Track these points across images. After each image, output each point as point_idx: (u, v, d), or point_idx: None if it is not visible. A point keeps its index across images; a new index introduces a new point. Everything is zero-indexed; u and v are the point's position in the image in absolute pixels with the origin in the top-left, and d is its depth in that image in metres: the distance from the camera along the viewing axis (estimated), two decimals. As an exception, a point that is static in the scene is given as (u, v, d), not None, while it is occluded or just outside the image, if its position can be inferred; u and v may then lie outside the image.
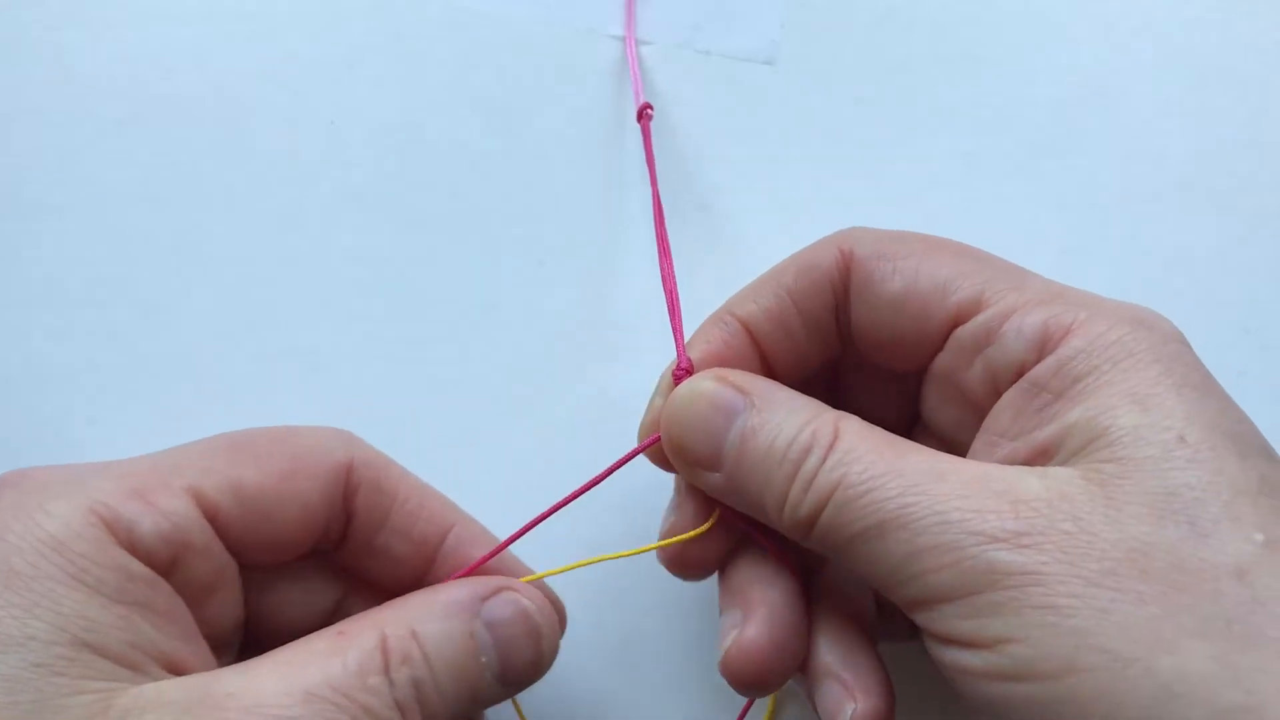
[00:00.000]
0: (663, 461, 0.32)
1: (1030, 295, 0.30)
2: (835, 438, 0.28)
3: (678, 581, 0.33)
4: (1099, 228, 0.41)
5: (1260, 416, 0.28)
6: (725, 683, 0.31)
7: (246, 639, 0.32)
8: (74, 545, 0.26)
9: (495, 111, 0.41)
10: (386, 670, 0.27)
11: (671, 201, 0.39)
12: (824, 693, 0.31)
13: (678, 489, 0.33)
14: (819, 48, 0.42)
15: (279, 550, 0.31)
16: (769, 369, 0.33)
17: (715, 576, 0.33)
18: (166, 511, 0.27)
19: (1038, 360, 0.28)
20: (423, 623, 0.29)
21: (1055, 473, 0.27)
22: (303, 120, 0.41)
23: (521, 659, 0.30)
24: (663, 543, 0.32)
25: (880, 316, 0.31)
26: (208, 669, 0.27)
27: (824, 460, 0.28)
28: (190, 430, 0.31)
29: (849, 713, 0.30)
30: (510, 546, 0.32)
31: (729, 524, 0.32)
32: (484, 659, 0.29)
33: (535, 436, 0.39)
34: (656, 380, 0.33)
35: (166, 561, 0.27)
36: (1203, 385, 0.27)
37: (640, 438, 0.33)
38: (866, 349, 0.33)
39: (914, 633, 0.28)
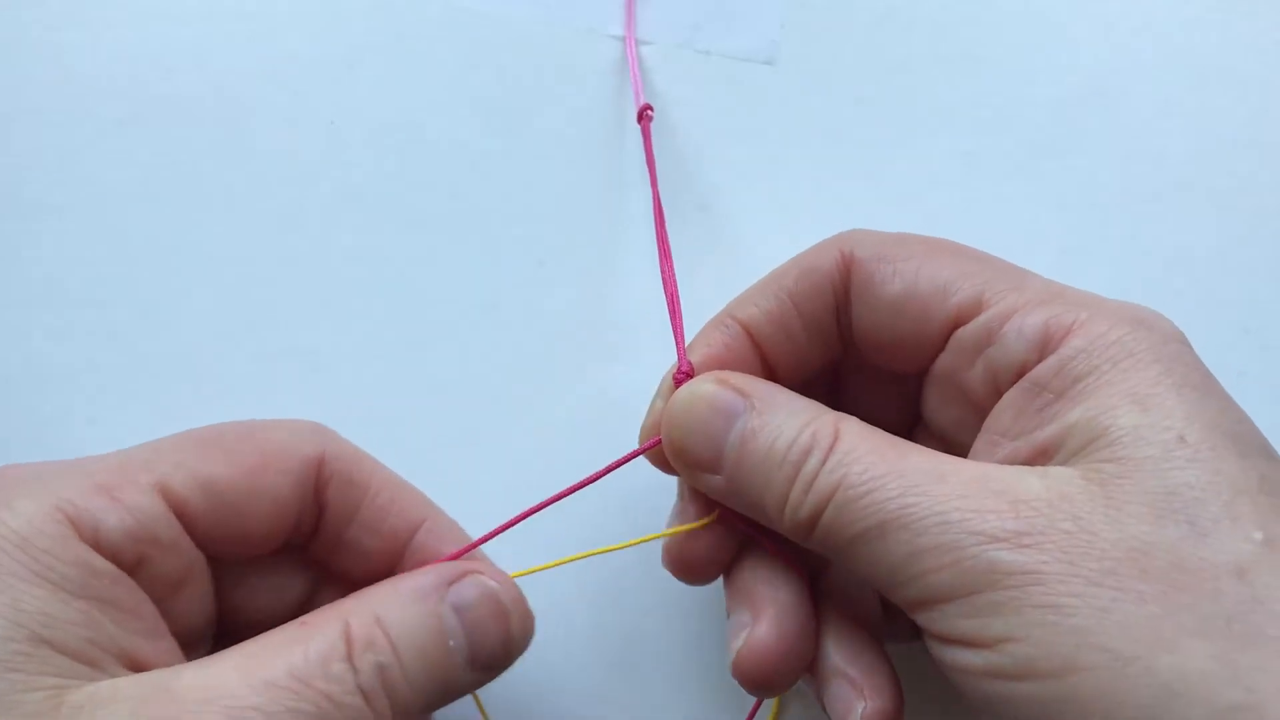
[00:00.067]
0: (664, 464, 0.32)
1: (1031, 295, 0.30)
2: (835, 439, 0.28)
3: (679, 582, 0.33)
4: (1099, 228, 0.41)
5: (1260, 416, 0.28)
6: (725, 683, 0.31)
7: (220, 633, 0.31)
8: (37, 542, 0.26)
9: (495, 111, 0.41)
10: (350, 657, 0.27)
11: (671, 202, 0.39)
12: (833, 692, 0.31)
13: (681, 494, 0.33)
14: (819, 48, 0.42)
15: (249, 545, 0.30)
16: (770, 372, 0.33)
17: (719, 579, 0.34)
18: (133, 508, 0.27)
19: (1039, 360, 0.28)
20: (388, 610, 0.28)
21: (1055, 473, 0.27)
22: (303, 120, 0.41)
23: (491, 642, 0.30)
24: (648, 537, 0.32)
25: (881, 318, 0.31)
26: (174, 665, 0.27)
27: (824, 461, 0.28)
28: (190, 430, 0.31)
29: (859, 711, 0.30)
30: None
31: (731, 525, 0.32)
32: (452, 643, 0.29)
33: (535, 436, 0.39)
34: (657, 382, 0.33)
35: (133, 558, 0.27)
36: (1203, 385, 0.27)
37: (641, 440, 0.33)
38: (867, 351, 0.33)
39: (917, 633, 0.28)
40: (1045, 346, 0.28)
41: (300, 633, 0.27)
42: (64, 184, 0.40)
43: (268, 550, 0.31)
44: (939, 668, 0.27)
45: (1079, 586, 0.24)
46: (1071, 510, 0.25)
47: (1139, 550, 0.25)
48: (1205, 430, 0.26)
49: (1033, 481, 0.26)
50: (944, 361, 0.31)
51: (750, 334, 0.32)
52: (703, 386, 0.31)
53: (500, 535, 0.32)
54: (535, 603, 0.31)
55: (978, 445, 0.30)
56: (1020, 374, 0.29)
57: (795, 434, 0.29)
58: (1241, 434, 0.27)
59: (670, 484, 0.34)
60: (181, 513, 0.28)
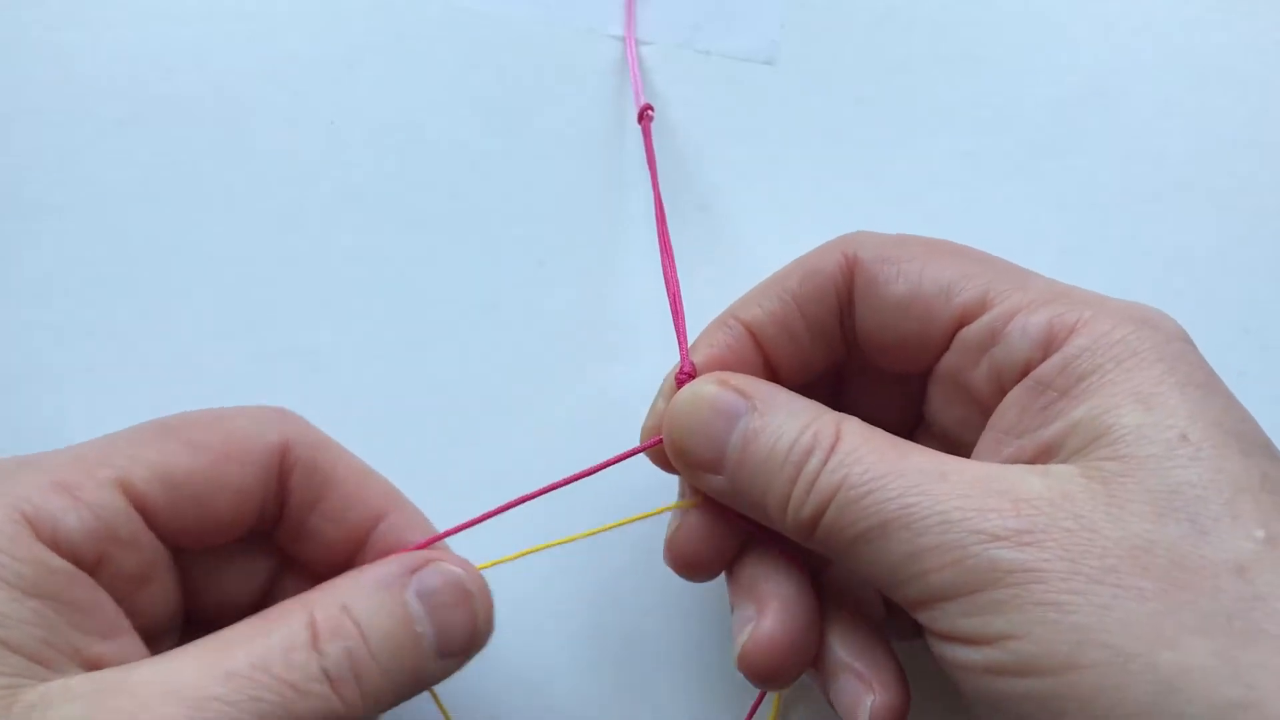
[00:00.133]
0: (665, 464, 0.32)
1: (1034, 295, 0.30)
2: (837, 439, 0.28)
3: (679, 581, 0.33)
4: (1099, 228, 0.41)
5: (1261, 416, 0.28)
6: (725, 683, 0.31)
7: (187, 623, 0.31)
8: None
9: (495, 111, 0.41)
10: (315, 645, 0.27)
11: (671, 202, 0.39)
12: (840, 687, 0.31)
13: (681, 494, 0.33)
14: (819, 48, 0.42)
15: (213, 535, 0.30)
16: (773, 373, 0.33)
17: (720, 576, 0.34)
18: (92, 505, 0.27)
19: (1043, 359, 0.29)
20: (354, 599, 0.28)
21: (1057, 471, 0.27)
22: (303, 120, 0.41)
23: (458, 627, 0.29)
24: (633, 517, 0.32)
25: (886, 319, 0.31)
26: (133, 662, 0.27)
27: (825, 462, 0.28)
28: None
29: (868, 704, 0.30)
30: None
31: (733, 525, 0.32)
32: (419, 629, 0.29)
33: (535, 437, 0.39)
34: (657, 382, 0.33)
35: (93, 557, 0.27)
36: (1206, 384, 0.27)
37: (642, 440, 0.33)
38: (871, 352, 0.33)
39: (918, 631, 0.28)
40: (1049, 345, 0.29)
41: (262, 625, 0.27)
42: (64, 184, 0.40)
43: (231, 539, 0.31)
44: (940, 665, 0.27)
45: (1080, 584, 0.24)
46: (1073, 508, 0.26)
47: (1140, 548, 0.25)
48: (1208, 429, 0.26)
49: (1034, 480, 0.27)
50: (948, 361, 0.31)
51: (753, 335, 0.32)
52: (704, 387, 0.31)
53: (500, 535, 0.32)
54: (535, 602, 0.31)
55: (982, 443, 0.30)
56: (1024, 373, 0.29)
57: (796, 434, 0.29)
58: (1244, 432, 0.27)
59: (670, 484, 0.34)
60: (142, 507, 0.28)
